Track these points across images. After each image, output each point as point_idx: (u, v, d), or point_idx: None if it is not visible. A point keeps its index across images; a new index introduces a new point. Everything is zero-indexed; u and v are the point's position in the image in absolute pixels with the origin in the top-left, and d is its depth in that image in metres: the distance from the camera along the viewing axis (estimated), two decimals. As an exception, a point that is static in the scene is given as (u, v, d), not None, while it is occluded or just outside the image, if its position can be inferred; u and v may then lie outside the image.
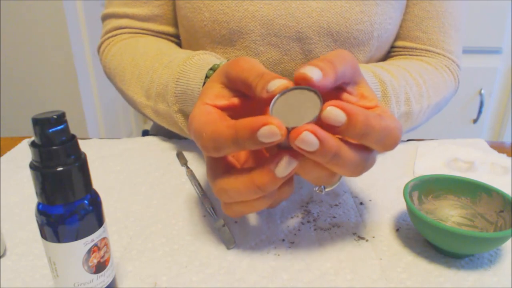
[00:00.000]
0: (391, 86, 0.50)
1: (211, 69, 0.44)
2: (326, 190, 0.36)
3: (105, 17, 0.66)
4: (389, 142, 0.31)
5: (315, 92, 0.29)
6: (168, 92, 0.49)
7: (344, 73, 0.32)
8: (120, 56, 0.60)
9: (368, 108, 0.33)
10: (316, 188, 0.36)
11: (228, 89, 0.34)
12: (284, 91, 0.30)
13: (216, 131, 0.30)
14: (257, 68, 0.32)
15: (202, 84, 0.44)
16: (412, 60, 0.61)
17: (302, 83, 0.30)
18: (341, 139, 0.30)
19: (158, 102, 0.52)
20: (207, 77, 0.44)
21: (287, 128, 0.28)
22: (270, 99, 0.30)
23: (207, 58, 0.48)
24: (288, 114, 0.29)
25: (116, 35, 0.64)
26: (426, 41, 0.61)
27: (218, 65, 0.44)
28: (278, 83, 0.30)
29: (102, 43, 0.66)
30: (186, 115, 0.50)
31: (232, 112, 0.34)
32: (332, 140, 0.28)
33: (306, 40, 0.55)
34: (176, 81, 0.48)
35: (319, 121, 0.29)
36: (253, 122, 0.28)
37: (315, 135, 0.28)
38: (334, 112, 0.28)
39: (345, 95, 0.34)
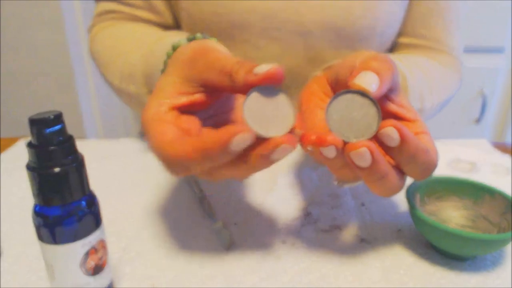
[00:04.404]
0: (411, 81, 0.48)
1: (173, 47, 0.36)
2: (345, 186, 0.35)
3: None
4: (424, 175, 0.31)
5: (372, 101, 0.29)
6: (137, 73, 0.46)
7: (394, 79, 0.31)
8: (103, 40, 0.57)
9: (407, 120, 0.33)
10: (336, 182, 0.36)
11: (189, 83, 0.31)
12: (339, 94, 0.29)
13: (182, 154, 0.28)
14: (233, 57, 0.30)
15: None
16: (419, 56, 0.60)
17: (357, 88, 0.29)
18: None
19: (129, 84, 0.48)
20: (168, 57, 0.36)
21: (344, 141, 0.28)
22: (249, 86, 0.28)
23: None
24: (345, 121, 0.29)
25: (106, 19, 0.61)
26: (431, 38, 0.61)
27: (178, 45, 0.35)
28: (267, 67, 0.28)
29: (92, 26, 0.63)
30: None
31: (192, 109, 0.32)
32: (384, 164, 0.28)
33: (308, 35, 0.54)
34: (145, 62, 0.44)
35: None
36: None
37: (372, 154, 0.27)
38: (392, 134, 0.28)
39: (388, 105, 0.33)
